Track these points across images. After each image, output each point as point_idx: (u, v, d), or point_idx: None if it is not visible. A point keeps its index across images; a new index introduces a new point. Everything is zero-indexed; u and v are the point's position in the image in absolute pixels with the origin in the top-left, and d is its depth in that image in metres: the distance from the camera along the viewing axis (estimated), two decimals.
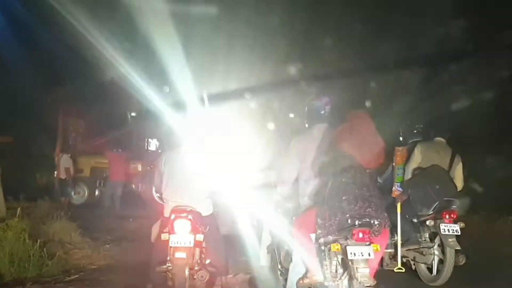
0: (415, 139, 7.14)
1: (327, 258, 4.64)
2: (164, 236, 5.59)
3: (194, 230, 5.59)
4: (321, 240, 4.63)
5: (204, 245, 5.90)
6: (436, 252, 6.70)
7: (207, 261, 6.01)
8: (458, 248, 6.41)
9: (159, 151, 17.24)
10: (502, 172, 14.54)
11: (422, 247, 6.81)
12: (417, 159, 6.80)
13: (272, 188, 6.41)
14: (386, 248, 6.43)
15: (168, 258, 5.56)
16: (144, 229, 9.96)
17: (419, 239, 6.83)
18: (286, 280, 5.44)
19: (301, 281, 4.94)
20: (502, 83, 14.58)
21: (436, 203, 6.59)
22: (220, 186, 6.02)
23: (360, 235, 4.38)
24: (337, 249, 4.52)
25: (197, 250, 5.78)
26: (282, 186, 5.53)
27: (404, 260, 7.03)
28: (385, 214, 4.59)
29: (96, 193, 16.97)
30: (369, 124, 4.55)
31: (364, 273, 4.31)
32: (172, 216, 5.60)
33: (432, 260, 6.73)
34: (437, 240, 6.72)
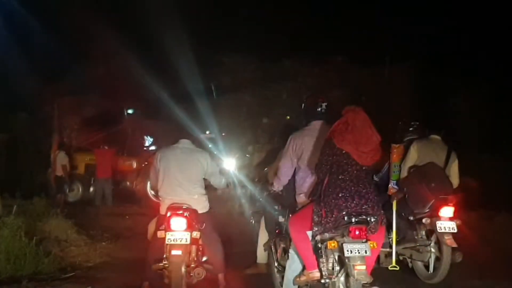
0: (411, 137, 7.13)
1: (323, 255, 4.63)
2: (160, 234, 5.59)
3: (191, 228, 5.59)
4: (318, 237, 4.63)
5: (200, 242, 5.91)
6: (433, 250, 6.69)
7: (204, 258, 6.04)
8: (455, 245, 6.40)
9: (153, 148, 17.23)
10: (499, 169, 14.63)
11: (419, 245, 6.80)
12: (412, 157, 6.79)
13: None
14: (383, 247, 6.44)
15: (164, 256, 5.57)
16: (140, 227, 9.97)
17: (416, 237, 6.82)
18: (283, 277, 5.45)
19: (297, 279, 4.94)
20: None
21: (432, 201, 6.59)
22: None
23: (357, 232, 4.38)
24: (334, 246, 4.51)
25: (194, 248, 5.80)
26: (278, 182, 5.53)
27: (401, 258, 7.02)
28: (382, 211, 4.59)
29: (91, 190, 16.87)
30: (365, 119, 4.54)
31: (361, 270, 4.30)
32: (168, 214, 5.60)
33: (429, 258, 6.72)
34: (433, 238, 6.71)
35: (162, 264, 5.57)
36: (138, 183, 16.11)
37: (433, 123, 7.44)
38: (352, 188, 4.44)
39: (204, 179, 6.10)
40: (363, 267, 4.32)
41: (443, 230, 6.44)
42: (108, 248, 9.06)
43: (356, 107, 4.64)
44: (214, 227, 6.13)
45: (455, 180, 6.89)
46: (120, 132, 17.25)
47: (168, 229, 5.53)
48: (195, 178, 5.91)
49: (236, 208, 14.28)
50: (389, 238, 6.64)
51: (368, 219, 4.43)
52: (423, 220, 6.68)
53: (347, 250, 4.36)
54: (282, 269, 5.64)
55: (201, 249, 6.00)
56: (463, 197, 7.29)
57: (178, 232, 5.51)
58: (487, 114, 16.50)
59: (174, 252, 5.47)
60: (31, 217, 8.76)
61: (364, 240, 4.43)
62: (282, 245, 5.86)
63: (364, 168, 4.53)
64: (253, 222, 7.40)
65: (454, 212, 6.62)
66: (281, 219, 5.91)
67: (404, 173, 6.77)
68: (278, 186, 5.62)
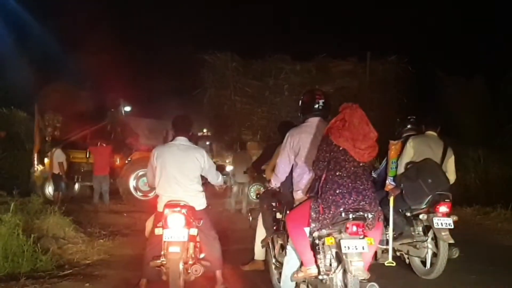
0: (408, 133, 7.14)
1: (321, 251, 4.64)
2: (158, 231, 5.60)
3: (188, 225, 5.60)
4: (315, 234, 4.64)
5: (198, 239, 5.91)
6: (430, 246, 6.72)
7: (201, 255, 6.04)
8: (452, 241, 6.43)
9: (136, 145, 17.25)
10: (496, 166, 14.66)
11: (416, 241, 6.82)
12: (409, 153, 6.81)
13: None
14: (381, 243, 6.46)
15: (162, 253, 5.58)
16: (138, 224, 10.00)
17: (413, 233, 6.84)
18: (280, 273, 5.46)
19: (295, 275, 4.95)
20: None
21: (429, 197, 6.61)
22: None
23: (354, 228, 4.39)
24: (331, 242, 4.53)
25: (191, 245, 5.80)
26: (275, 179, 5.54)
27: (398, 254, 7.05)
28: (379, 208, 4.61)
29: (75, 187, 16.88)
30: (362, 116, 4.55)
31: (358, 266, 4.32)
32: (166, 211, 5.60)
33: (426, 254, 6.75)
34: (430, 234, 6.73)
35: (160, 261, 5.58)
36: (121, 180, 16.14)
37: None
38: (350, 184, 4.45)
39: (202, 176, 6.11)
40: (361, 263, 4.34)
41: (440, 226, 6.46)
42: (106, 245, 9.07)
43: (353, 104, 4.64)
44: (211, 224, 6.13)
45: (451, 176, 6.90)
46: (102, 130, 17.21)
47: (165, 226, 5.53)
48: (192, 175, 5.91)
49: (233, 205, 14.34)
50: (386, 234, 6.66)
51: (366, 215, 4.45)
52: (420, 216, 6.71)
53: (345, 246, 4.37)
54: (280, 265, 5.64)
55: (198, 246, 6.00)
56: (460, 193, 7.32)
57: (176, 229, 5.52)
58: (481, 109, 16.52)
59: (171, 249, 5.47)
60: (28, 214, 8.76)
61: (361, 237, 4.44)
62: (280, 242, 5.87)
63: (361, 164, 4.54)
64: (250, 219, 7.41)
65: (451, 208, 6.65)
66: (278, 215, 5.93)
67: (400, 170, 6.79)
68: (275, 182, 5.63)
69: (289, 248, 5.16)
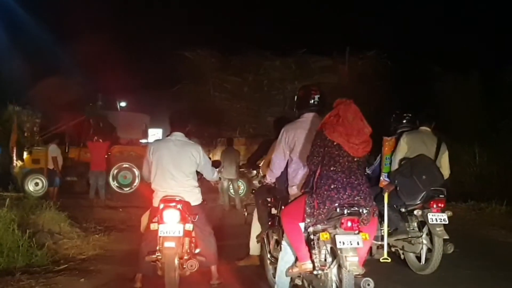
0: (402, 129, 7.14)
1: (316, 246, 4.65)
2: (153, 226, 5.60)
3: (183, 220, 5.60)
4: (310, 229, 4.65)
5: (193, 234, 5.92)
6: (425, 241, 6.74)
7: (197, 250, 6.05)
8: (446, 237, 6.45)
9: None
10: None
11: (411, 237, 6.84)
12: (403, 149, 6.81)
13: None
14: (376, 239, 6.47)
15: (157, 248, 5.58)
16: (133, 219, 9.99)
17: (407, 229, 6.86)
18: (275, 269, 5.47)
19: (290, 270, 4.97)
20: None
21: (423, 193, 6.62)
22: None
23: (349, 223, 4.39)
24: (326, 238, 4.53)
25: (187, 240, 5.81)
26: (270, 174, 5.54)
27: (393, 249, 7.07)
28: (374, 203, 4.62)
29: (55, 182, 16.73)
30: (355, 111, 4.55)
31: (353, 261, 4.32)
32: (161, 206, 5.61)
33: (421, 249, 6.77)
34: (425, 229, 6.75)
35: (155, 256, 5.58)
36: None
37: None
38: (344, 179, 4.46)
39: (197, 172, 6.11)
40: (355, 259, 4.34)
41: (434, 222, 6.48)
42: (101, 240, 9.06)
43: (347, 99, 4.65)
44: (207, 219, 6.14)
45: (446, 171, 6.92)
46: (80, 125, 17.18)
47: (161, 221, 5.53)
48: (187, 171, 5.91)
49: (226, 201, 14.37)
50: (381, 230, 6.68)
51: (360, 210, 4.45)
52: (415, 212, 6.73)
53: (339, 242, 4.37)
54: (275, 260, 5.65)
55: (194, 241, 6.01)
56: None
57: (171, 224, 5.52)
58: (476, 104, 16.55)
59: (167, 244, 5.48)
60: (24, 210, 8.75)
61: (356, 232, 4.45)
62: (275, 237, 5.88)
63: (355, 159, 4.54)
64: (245, 214, 7.42)
65: (445, 204, 6.67)
66: (273, 211, 5.94)
67: (395, 166, 6.80)
68: (270, 178, 5.63)
69: (284, 243, 5.16)
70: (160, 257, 5.56)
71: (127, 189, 16.89)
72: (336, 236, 4.42)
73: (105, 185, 15.23)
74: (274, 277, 5.55)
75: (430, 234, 6.66)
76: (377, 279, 4.46)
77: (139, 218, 6.43)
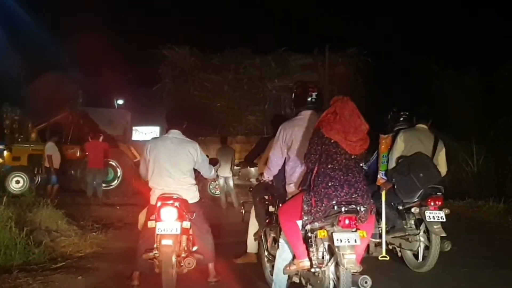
0: (399, 127, 7.14)
1: (313, 244, 4.65)
2: (151, 224, 5.60)
3: (181, 218, 5.60)
4: (308, 227, 4.65)
5: (190, 232, 5.92)
6: (422, 239, 6.74)
7: (194, 248, 6.05)
8: (444, 234, 6.45)
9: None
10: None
11: (408, 234, 6.84)
12: (400, 147, 6.82)
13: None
14: (373, 237, 6.48)
15: (155, 245, 5.58)
16: (131, 217, 9.99)
17: (405, 226, 6.86)
18: (273, 266, 5.47)
19: (288, 268, 4.97)
20: None
21: (421, 191, 6.62)
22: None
23: (347, 221, 4.40)
24: (324, 235, 4.53)
25: (184, 237, 5.81)
26: (268, 172, 5.54)
27: (390, 247, 7.07)
28: (371, 201, 4.62)
29: (36, 181, 16.49)
30: (353, 108, 4.55)
31: (350, 259, 4.33)
32: (159, 204, 5.61)
33: (418, 247, 6.77)
34: (422, 227, 6.75)
35: (152, 253, 5.58)
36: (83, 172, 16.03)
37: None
38: (342, 177, 4.46)
39: (194, 169, 6.11)
40: (353, 256, 4.34)
41: (432, 219, 6.48)
42: (98, 238, 9.06)
43: (344, 97, 4.65)
44: (204, 217, 6.15)
45: (443, 169, 6.92)
46: (63, 121, 17.11)
47: (158, 219, 5.53)
48: (185, 169, 5.91)
49: (222, 198, 14.38)
50: (378, 228, 6.68)
51: (358, 208, 4.46)
52: (412, 210, 6.73)
53: (337, 239, 4.38)
54: (272, 258, 5.65)
55: (191, 239, 6.01)
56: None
57: (169, 222, 5.52)
58: (474, 102, 16.54)
59: (164, 242, 5.48)
60: (21, 207, 8.74)
61: (353, 229, 4.45)
62: (272, 235, 5.88)
63: (353, 157, 4.54)
64: (243, 212, 7.42)
65: (443, 202, 6.68)
66: (271, 208, 5.94)
67: (392, 164, 6.80)
68: (268, 176, 5.63)
69: (281, 241, 5.16)
70: (157, 255, 5.56)
71: (109, 185, 16.82)
72: (334, 233, 4.42)
73: (102, 183, 15.18)
74: (272, 275, 5.56)
75: (427, 232, 6.66)
76: (375, 277, 4.47)
77: (137, 216, 6.43)
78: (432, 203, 6.58)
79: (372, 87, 17.22)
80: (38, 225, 8.47)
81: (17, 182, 16.06)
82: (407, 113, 7.36)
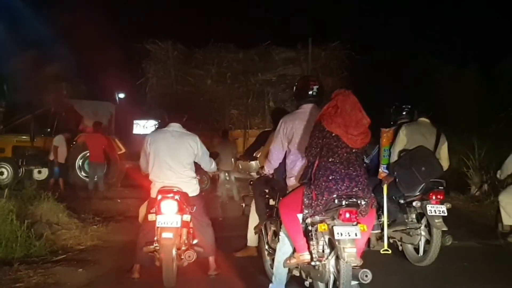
0: (401, 121, 7.13)
1: (314, 238, 4.65)
2: (151, 217, 5.61)
3: (181, 211, 5.61)
4: (308, 220, 4.65)
5: (191, 225, 5.92)
6: (423, 233, 6.73)
7: (194, 241, 6.06)
8: (445, 228, 6.44)
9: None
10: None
11: (409, 228, 6.83)
12: (402, 141, 6.80)
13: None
14: (373, 230, 6.46)
15: (155, 239, 5.60)
16: (131, 210, 9.99)
17: (406, 220, 6.85)
18: (273, 260, 5.47)
19: (288, 261, 4.96)
20: None
21: (423, 185, 6.61)
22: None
23: (347, 215, 4.39)
24: (324, 229, 4.53)
25: (184, 231, 5.82)
26: (268, 166, 5.53)
27: (391, 241, 7.06)
28: (372, 194, 4.61)
29: (20, 172, 16.45)
30: (354, 102, 4.54)
31: (351, 253, 4.32)
32: (159, 197, 5.62)
33: (419, 241, 6.76)
34: (423, 221, 6.74)
35: (153, 246, 5.60)
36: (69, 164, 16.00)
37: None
38: (343, 170, 4.45)
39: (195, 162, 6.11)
40: (353, 250, 4.34)
41: (433, 213, 6.46)
42: (99, 231, 9.07)
43: (345, 90, 4.64)
44: (204, 210, 6.15)
45: (445, 163, 6.91)
46: (47, 114, 17.00)
47: (159, 212, 5.54)
48: (185, 162, 5.91)
49: (223, 192, 14.39)
50: (379, 221, 6.67)
51: (359, 202, 4.45)
52: (414, 204, 6.71)
53: (337, 233, 4.37)
54: (273, 251, 5.64)
55: (191, 232, 6.02)
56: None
57: (169, 215, 5.53)
58: (475, 96, 16.54)
59: (165, 235, 5.49)
60: (22, 200, 8.74)
61: (354, 223, 4.45)
62: (273, 228, 5.87)
63: (354, 150, 4.53)
64: (244, 205, 7.42)
65: (444, 196, 6.66)
66: (271, 202, 5.93)
67: (394, 157, 6.78)
68: (269, 169, 5.62)
69: (282, 234, 5.16)
70: (158, 247, 5.58)
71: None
72: (334, 227, 4.42)
73: (103, 176, 15.14)
74: (272, 268, 5.55)
75: (428, 226, 6.65)
76: (375, 271, 4.46)
77: (137, 209, 6.44)
78: (433, 197, 6.56)
79: (357, 80, 17.14)
80: (39, 218, 8.48)
81: (1, 173, 16.05)
82: (409, 107, 7.34)
